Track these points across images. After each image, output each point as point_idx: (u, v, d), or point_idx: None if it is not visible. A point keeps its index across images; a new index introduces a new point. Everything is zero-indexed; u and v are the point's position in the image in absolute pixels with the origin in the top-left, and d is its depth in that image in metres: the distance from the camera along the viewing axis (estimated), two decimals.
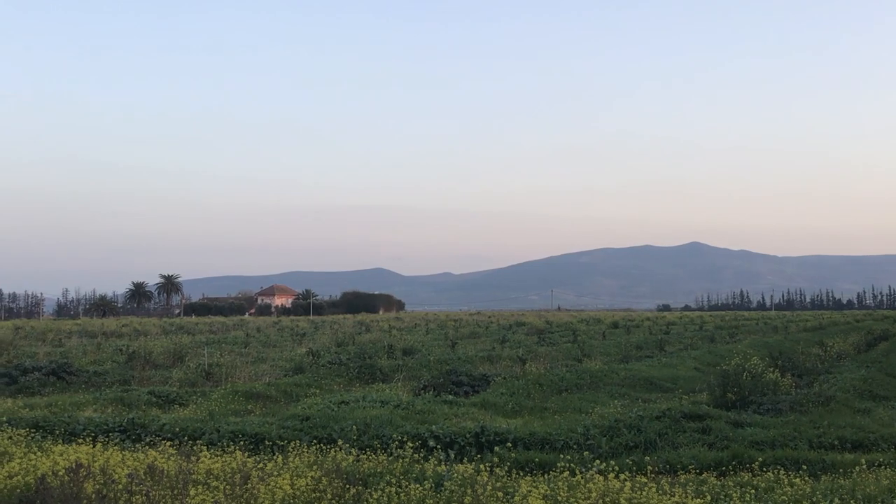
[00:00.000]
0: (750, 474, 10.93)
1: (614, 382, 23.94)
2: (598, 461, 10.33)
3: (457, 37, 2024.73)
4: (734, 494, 8.96)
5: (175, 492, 8.10)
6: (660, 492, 8.66)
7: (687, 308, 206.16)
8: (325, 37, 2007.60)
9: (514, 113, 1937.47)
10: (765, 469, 11.05)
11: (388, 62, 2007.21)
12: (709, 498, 8.48)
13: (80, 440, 12.90)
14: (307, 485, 8.82)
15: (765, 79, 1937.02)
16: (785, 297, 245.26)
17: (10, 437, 12.63)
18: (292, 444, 12.65)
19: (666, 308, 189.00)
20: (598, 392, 22.44)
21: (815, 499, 8.98)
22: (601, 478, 9.12)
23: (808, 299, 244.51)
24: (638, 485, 8.84)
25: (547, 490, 8.54)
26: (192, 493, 8.20)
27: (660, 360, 31.04)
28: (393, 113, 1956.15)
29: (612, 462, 10.07)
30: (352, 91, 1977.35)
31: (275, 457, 11.46)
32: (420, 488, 8.82)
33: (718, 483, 10.15)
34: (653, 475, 10.38)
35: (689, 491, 9.00)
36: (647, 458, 11.86)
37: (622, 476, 9.06)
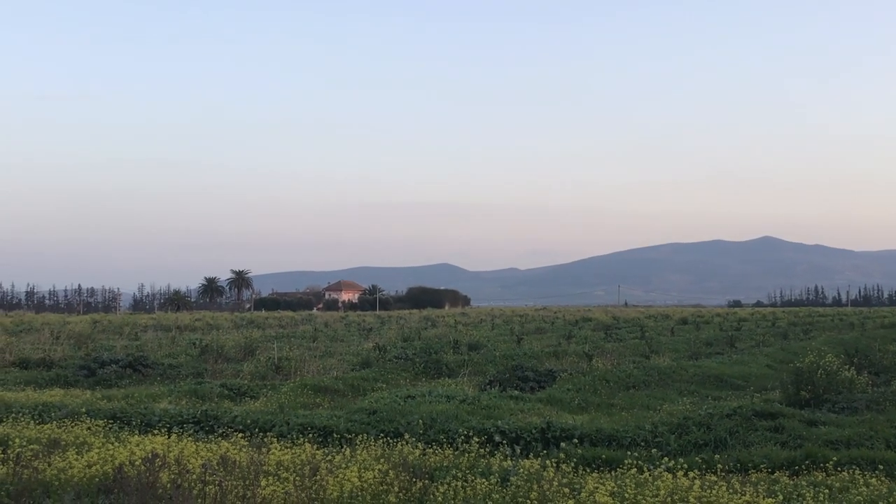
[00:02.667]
0: (824, 474, 10.64)
1: (683, 379, 23.59)
2: (666, 459, 10.20)
3: (527, 32, 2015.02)
4: (807, 494, 8.75)
5: (247, 482, 8.28)
6: (730, 490, 8.50)
7: (759, 304, 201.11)
8: (387, 36, 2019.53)
9: (579, 105, 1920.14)
10: (839, 469, 10.75)
11: (453, 58, 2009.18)
12: (781, 497, 8.31)
13: (156, 431, 13.29)
14: (374, 478, 8.92)
15: (844, 65, 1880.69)
16: (862, 294, 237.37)
17: (90, 428, 13.08)
18: (360, 437, 12.82)
19: (737, 304, 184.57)
20: (667, 389, 22.15)
21: (891, 499, 8.72)
22: (670, 475, 9.00)
23: (885, 295, 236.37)
24: (708, 483, 8.71)
25: (614, 487, 8.47)
26: (263, 483, 8.37)
27: (730, 357, 30.46)
28: (459, 108, 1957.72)
29: (681, 460, 9.94)
30: (418, 88, 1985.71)
31: (343, 450, 11.63)
32: (486, 483, 8.85)
33: (791, 482, 9.92)
34: (723, 474, 10.20)
35: (760, 490, 8.81)
36: (718, 456, 11.64)
37: (691, 474, 8.94)
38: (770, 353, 32.46)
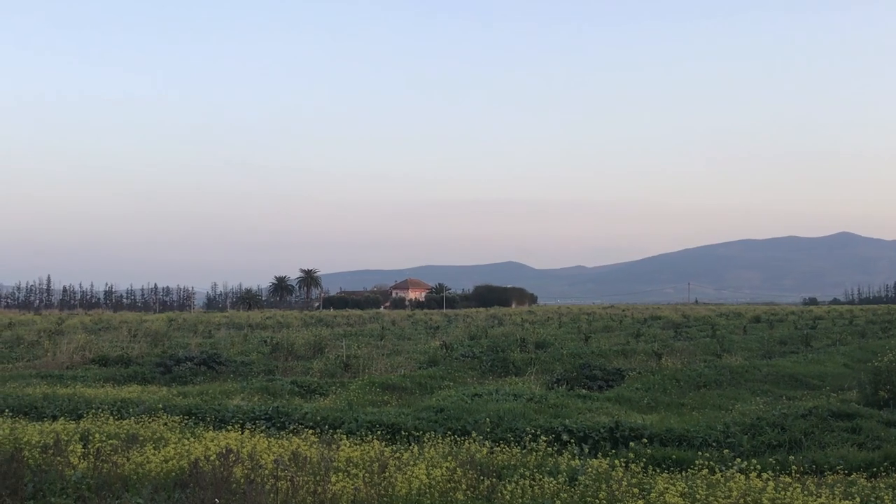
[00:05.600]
0: None
1: (756, 379, 23.09)
2: (738, 460, 10.00)
3: (589, 33, 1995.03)
4: (886, 497, 8.49)
5: (317, 478, 8.41)
6: (805, 493, 8.29)
7: (835, 301, 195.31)
8: (454, 37, 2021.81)
9: (645, 102, 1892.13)
10: None
11: (516, 60, 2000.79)
12: (858, 500, 8.06)
13: (230, 427, 13.58)
14: (442, 475, 8.97)
15: None
16: None
17: (166, 424, 13.45)
18: (427, 434, 12.89)
19: (812, 302, 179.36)
20: (739, 388, 21.70)
21: None
22: (742, 476, 8.82)
23: None
24: (782, 485, 8.50)
25: (685, 487, 8.34)
26: (333, 479, 8.50)
27: (805, 355, 29.67)
28: (525, 107, 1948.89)
29: (754, 461, 9.72)
30: (484, 88, 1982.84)
31: (411, 447, 11.72)
32: (554, 482, 8.81)
33: (869, 485, 9.61)
34: (798, 475, 9.95)
35: (836, 492, 8.58)
36: (792, 457, 11.37)
37: (765, 475, 8.74)
38: (847, 352, 31.54)
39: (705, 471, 9.38)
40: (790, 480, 8.92)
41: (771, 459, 11.46)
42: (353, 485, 8.45)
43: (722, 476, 9.02)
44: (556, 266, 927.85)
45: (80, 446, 10.32)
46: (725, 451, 11.79)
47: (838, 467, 11.26)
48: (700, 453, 11.08)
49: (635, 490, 8.27)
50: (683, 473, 10.06)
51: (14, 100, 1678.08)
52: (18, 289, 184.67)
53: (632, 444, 12.38)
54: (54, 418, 14.89)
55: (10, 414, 15.38)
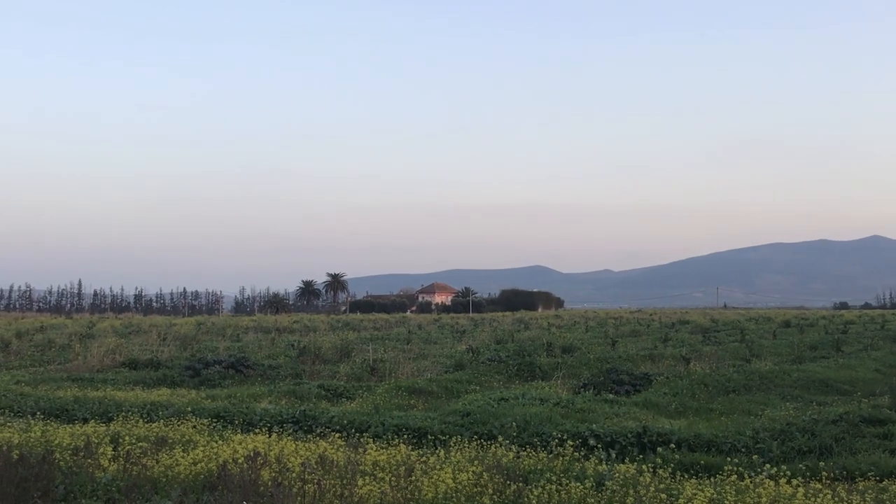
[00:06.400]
0: None
1: (786, 384, 22.84)
2: (768, 465, 9.92)
3: (619, 35, 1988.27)
4: None
5: (344, 481, 8.44)
6: (836, 499, 8.20)
7: (867, 306, 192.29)
8: (479, 40, 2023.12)
9: (674, 105, 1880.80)
10: None
11: (548, 61, 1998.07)
12: None
13: (257, 430, 13.67)
14: (469, 479, 8.96)
15: None
16: None
17: (195, 426, 13.55)
18: (454, 438, 12.89)
19: (843, 306, 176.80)
20: (769, 394, 21.49)
21: None
22: (772, 482, 8.73)
23: None
24: (812, 491, 8.41)
25: (713, 493, 8.27)
26: (359, 483, 8.52)
27: (836, 360, 29.32)
28: (552, 112, 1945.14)
29: (784, 467, 9.64)
30: (511, 92, 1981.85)
31: (437, 451, 11.72)
32: (581, 487, 8.77)
33: None
34: (828, 481, 9.82)
35: (868, 499, 8.46)
36: (822, 463, 11.21)
37: (794, 481, 8.64)
38: (879, 357, 31.11)
39: (734, 476, 9.29)
40: (820, 487, 8.81)
41: (801, 465, 11.35)
42: (379, 488, 8.46)
43: (751, 482, 8.94)
44: (583, 270, 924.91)
45: (111, 449, 10.43)
46: (755, 456, 11.69)
47: (869, 473, 11.11)
48: (729, 459, 10.98)
49: (663, 496, 8.21)
50: (712, 479, 9.96)
51: (46, 109, 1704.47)
52: (50, 293, 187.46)
53: (659, 449, 12.29)
54: (85, 421, 15.08)
55: (42, 416, 15.58)
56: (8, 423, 14.07)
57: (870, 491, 9.40)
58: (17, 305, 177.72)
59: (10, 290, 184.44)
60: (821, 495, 8.08)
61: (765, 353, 32.85)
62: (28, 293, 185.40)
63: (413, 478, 8.78)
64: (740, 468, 9.97)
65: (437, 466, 9.64)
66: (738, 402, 20.10)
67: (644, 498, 8.16)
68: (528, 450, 11.89)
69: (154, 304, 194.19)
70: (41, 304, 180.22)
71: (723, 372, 24.45)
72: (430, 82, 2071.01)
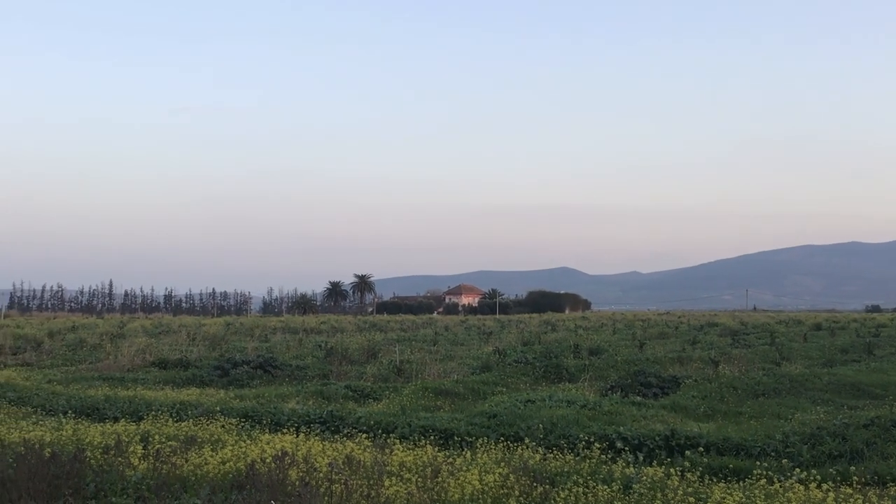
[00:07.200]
0: None
1: (816, 388, 22.56)
2: (798, 470, 9.79)
3: (650, 34, 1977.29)
4: None
5: (371, 482, 8.47)
6: None
7: None
8: (504, 40, 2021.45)
9: (704, 106, 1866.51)
10: None
11: (576, 61, 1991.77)
12: None
13: (285, 430, 13.75)
14: (495, 481, 8.95)
15: None
16: None
17: (223, 426, 13.66)
18: (480, 440, 12.89)
19: (875, 309, 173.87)
20: (799, 397, 21.23)
21: None
22: (801, 487, 8.64)
23: None
24: (843, 496, 8.31)
25: (742, 497, 8.19)
26: (386, 483, 8.55)
27: (868, 364, 28.92)
28: (580, 110, 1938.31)
29: (814, 471, 9.51)
30: (541, 92, 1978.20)
31: (463, 452, 11.73)
32: (608, 490, 8.73)
33: None
34: (859, 486, 9.68)
35: None
36: (853, 468, 11.06)
37: (825, 486, 8.55)
38: None
39: (763, 481, 9.19)
40: (851, 491, 8.70)
41: (831, 470, 11.18)
42: (406, 489, 8.48)
43: (781, 486, 8.84)
44: (610, 272, 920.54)
45: (141, 447, 10.54)
46: (784, 460, 11.55)
47: None
48: (758, 463, 10.88)
49: (691, 499, 8.15)
50: (741, 483, 9.87)
51: (82, 113, 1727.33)
52: (82, 293, 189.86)
53: (688, 452, 12.20)
54: (115, 420, 15.27)
55: (73, 415, 15.79)
56: (40, 422, 14.29)
57: None
58: (50, 305, 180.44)
59: (43, 291, 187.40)
60: (851, 500, 7.99)
61: (795, 357, 32.48)
62: (60, 293, 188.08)
63: (439, 479, 8.79)
64: (770, 472, 9.87)
65: (464, 468, 9.64)
66: (767, 405, 19.89)
67: (672, 501, 8.11)
68: (555, 452, 11.86)
69: (183, 304, 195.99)
70: (73, 305, 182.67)
71: (752, 375, 24.20)
72: (457, 82, 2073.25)
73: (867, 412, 16.92)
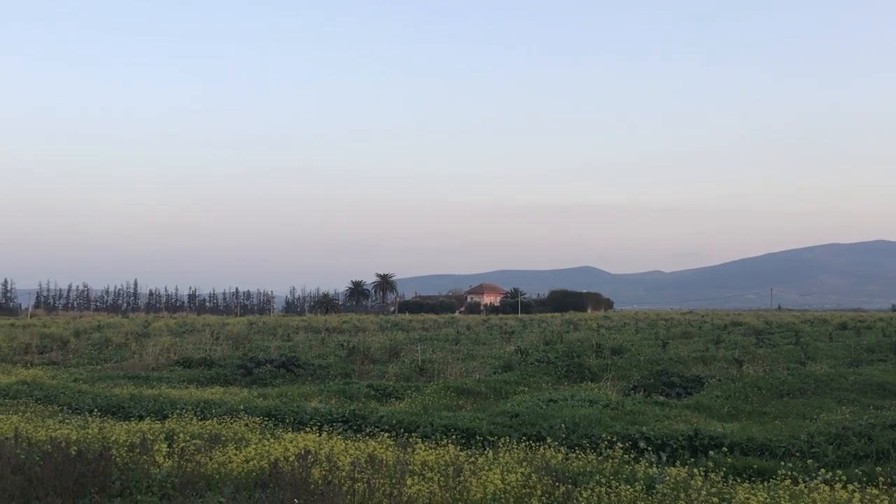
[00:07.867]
0: None
1: (842, 388, 22.33)
2: (823, 470, 9.71)
3: (673, 33, 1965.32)
4: None
5: (393, 481, 8.50)
6: None
7: None
8: (534, 44, 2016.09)
9: (727, 104, 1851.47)
10: None
11: (598, 61, 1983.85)
12: None
13: (308, 429, 13.82)
14: (517, 480, 8.94)
15: None
16: None
17: (247, 425, 13.76)
18: (502, 440, 12.87)
19: None
20: (824, 398, 21.03)
21: None
22: (827, 487, 8.56)
23: None
24: (868, 497, 8.22)
25: (766, 498, 8.12)
26: (408, 482, 8.57)
27: (894, 364, 28.59)
28: (602, 110, 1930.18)
29: (839, 472, 9.41)
30: (561, 93, 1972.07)
31: (485, 452, 11.73)
32: (631, 490, 8.69)
33: None
34: (885, 487, 9.58)
35: None
36: (879, 468, 10.94)
37: (850, 487, 8.46)
38: None
39: (788, 481, 9.12)
40: (877, 492, 8.61)
41: (857, 470, 11.08)
42: (428, 488, 8.50)
43: (805, 487, 8.76)
44: (633, 271, 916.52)
45: (165, 446, 10.64)
46: (809, 461, 11.45)
47: None
48: (783, 463, 10.79)
49: (715, 500, 8.10)
50: (765, 484, 9.80)
51: (99, 111, 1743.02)
52: (107, 292, 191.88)
53: (711, 452, 12.12)
54: (141, 418, 15.42)
55: (99, 413, 15.97)
56: (66, 420, 14.47)
57: None
58: (75, 305, 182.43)
59: (69, 290, 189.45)
60: (878, 501, 7.90)
61: (820, 356, 32.16)
62: (86, 293, 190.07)
63: (461, 478, 8.80)
64: (794, 473, 9.78)
65: (486, 467, 9.64)
66: (792, 405, 19.72)
67: (695, 502, 8.06)
68: (578, 452, 11.83)
69: (207, 303, 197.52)
70: (98, 304, 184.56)
71: (777, 375, 24.01)
72: (478, 82, 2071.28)
73: (893, 412, 16.74)
